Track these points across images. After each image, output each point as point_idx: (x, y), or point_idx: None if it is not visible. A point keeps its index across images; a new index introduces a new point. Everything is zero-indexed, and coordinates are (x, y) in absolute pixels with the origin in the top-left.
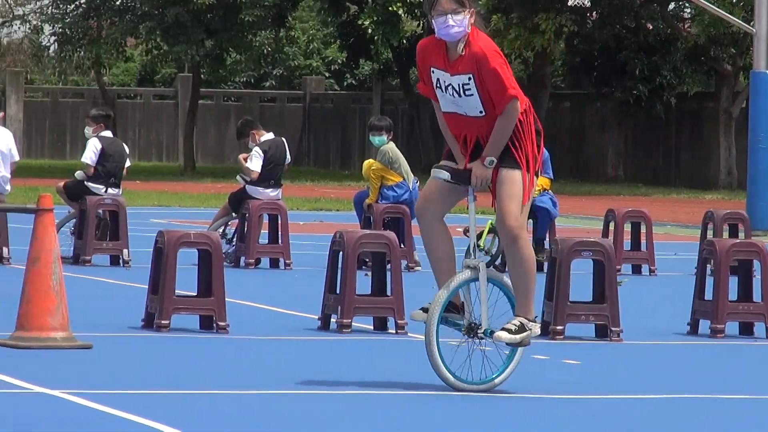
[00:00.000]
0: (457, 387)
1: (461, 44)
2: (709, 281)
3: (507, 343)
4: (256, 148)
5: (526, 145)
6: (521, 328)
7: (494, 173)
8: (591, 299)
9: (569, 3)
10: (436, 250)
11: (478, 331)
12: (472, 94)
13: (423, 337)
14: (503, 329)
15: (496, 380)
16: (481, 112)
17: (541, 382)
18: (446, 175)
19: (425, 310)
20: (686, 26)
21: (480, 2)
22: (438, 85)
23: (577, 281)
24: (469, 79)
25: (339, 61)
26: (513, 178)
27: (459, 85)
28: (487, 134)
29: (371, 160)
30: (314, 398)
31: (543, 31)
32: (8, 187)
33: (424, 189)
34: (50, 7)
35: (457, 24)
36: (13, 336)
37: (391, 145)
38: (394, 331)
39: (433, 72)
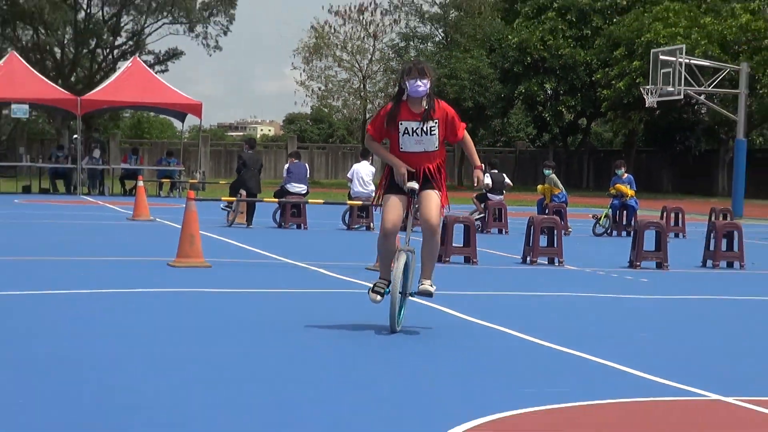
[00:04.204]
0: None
1: (423, 101)
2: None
3: (431, 294)
4: (487, 175)
5: (445, 177)
6: (432, 285)
7: (423, 189)
8: (654, 248)
9: (647, 105)
10: (392, 253)
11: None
12: (435, 134)
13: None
14: (426, 286)
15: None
16: (436, 147)
17: (629, 289)
18: (416, 186)
19: (377, 291)
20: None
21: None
22: (406, 132)
23: (647, 241)
24: (435, 123)
25: (532, 132)
26: (436, 196)
27: (428, 127)
28: (432, 165)
29: (542, 185)
30: (521, 297)
31: (632, 119)
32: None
33: (388, 214)
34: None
35: (423, 85)
36: None
37: (553, 174)
38: (556, 264)
39: (401, 124)
